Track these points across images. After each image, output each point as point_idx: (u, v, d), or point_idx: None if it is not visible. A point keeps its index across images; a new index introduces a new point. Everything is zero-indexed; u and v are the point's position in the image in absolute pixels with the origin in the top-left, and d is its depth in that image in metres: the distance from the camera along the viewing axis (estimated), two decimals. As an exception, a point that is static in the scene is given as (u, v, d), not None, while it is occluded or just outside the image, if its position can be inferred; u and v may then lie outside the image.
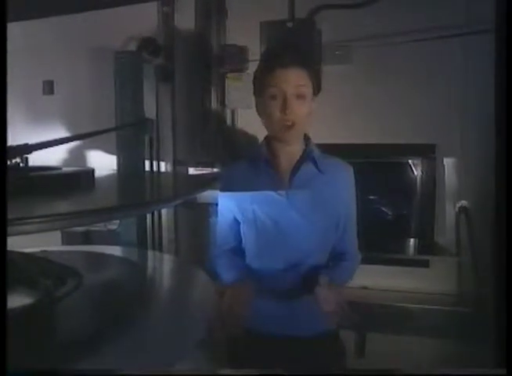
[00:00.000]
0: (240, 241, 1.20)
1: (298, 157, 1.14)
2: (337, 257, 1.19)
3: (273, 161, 1.15)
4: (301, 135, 1.14)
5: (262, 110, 1.12)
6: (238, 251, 1.21)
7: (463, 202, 1.84)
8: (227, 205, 1.19)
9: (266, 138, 1.17)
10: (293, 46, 1.27)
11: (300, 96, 1.06)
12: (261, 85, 1.11)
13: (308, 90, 1.08)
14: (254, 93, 1.15)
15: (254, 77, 1.15)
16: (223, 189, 1.19)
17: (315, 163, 1.14)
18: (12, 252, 0.91)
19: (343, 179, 1.16)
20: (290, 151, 1.14)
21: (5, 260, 0.53)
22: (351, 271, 1.20)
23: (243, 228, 1.18)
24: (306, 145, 1.15)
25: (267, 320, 1.13)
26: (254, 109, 1.18)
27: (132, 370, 0.60)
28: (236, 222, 1.19)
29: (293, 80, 1.06)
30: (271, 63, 1.09)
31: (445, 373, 0.97)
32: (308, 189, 1.12)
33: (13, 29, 2.13)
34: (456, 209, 1.86)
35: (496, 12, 1.37)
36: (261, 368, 1.12)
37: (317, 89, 1.12)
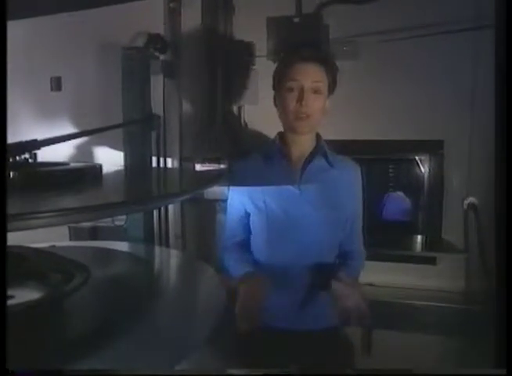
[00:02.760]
0: (249, 234, 1.21)
1: (310, 151, 1.16)
2: (344, 255, 1.19)
3: (286, 154, 1.17)
4: (314, 129, 1.17)
5: (279, 103, 1.15)
6: (246, 244, 1.22)
7: (471, 199, 1.83)
8: (238, 197, 1.20)
9: (280, 133, 1.20)
10: (313, 42, 1.31)
11: (316, 91, 1.10)
12: (280, 79, 1.15)
13: (324, 86, 1.12)
14: (273, 87, 1.19)
15: (275, 72, 1.19)
16: (235, 181, 1.21)
17: (326, 157, 1.16)
18: (22, 247, 0.92)
19: (352, 176, 1.18)
20: (303, 144, 1.17)
21: (5, 259, 0.54)
22: (358, 269, 1.21)
23: (253, 220, 1.19)
24: (317, 140, 1.18)
25: (274, 314, 1.13)
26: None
27: (133, 370, 0.60)
28: (247, 214, 1.20)
29: (312, 74, 1.10)
30: (292, 57, 1.13)
31: (445, 373, 0.97)
32: (319, 183, 1.13)
33: (20, 26, 2.15)
34: (464, 206, 1.84)
35: (496, 8, 1.35)
36: (266, 362, 1.13)
37: (332, 87, 1.14)
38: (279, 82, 1.15)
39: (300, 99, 1.09)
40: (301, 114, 1.10)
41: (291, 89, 1.10)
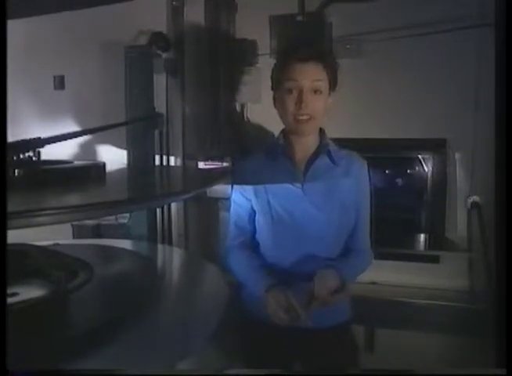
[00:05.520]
0: (255, 232, 1.21)
1: (314, 150, 1.15)
2: (346, 253, 1.18)
3: (289, 153, 1.16)
4: (317, 128, 1.16)
5: (279, 104, 1.13)
6: (251, 244, 1.21)
7: (475, 197, 1.82)
8: (244, 194, 1.19)
9: (283, 131, 1.19)
10: (312, 41, 1.28)
11: (316, 91, 1.08)
12: (278, 79, 1.12)
13: (324, 85, 1.09)
14: (272, 87, 1.16)
15: (272, 72, 1.16)
16: (239, 180, 1.20)
17: (330, 156, 1.15)
18: (25, 245, 0.93)
19: (357, 173, 1.17)
20: (306, 144, 1.15)
21: (5, 258, 0.54)
22: (358, 269, 1.18)
23: (258, 219, 1.19)
24: (321, 138, 1.16)
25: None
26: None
27: (133, 370, 0.60)
28: (252, 211, 1.19)
29: (311, 74, 1.07)
30: (289, 57, 1.10)
31: (445, 373, 0.97)
32: (322, 182, 1.13)
33: (23, 25, 2.15)
34: (468, 204, 1.83)
35: (497, 7, 1.35)
36: (270, 360, 1.13)
37: (334, 84, 1.12)
38: (278, 83, 1.12)
39: (299, 101, 1.06)
40: (301, 117, 1.08)
41: (290, 90, 1.08)
